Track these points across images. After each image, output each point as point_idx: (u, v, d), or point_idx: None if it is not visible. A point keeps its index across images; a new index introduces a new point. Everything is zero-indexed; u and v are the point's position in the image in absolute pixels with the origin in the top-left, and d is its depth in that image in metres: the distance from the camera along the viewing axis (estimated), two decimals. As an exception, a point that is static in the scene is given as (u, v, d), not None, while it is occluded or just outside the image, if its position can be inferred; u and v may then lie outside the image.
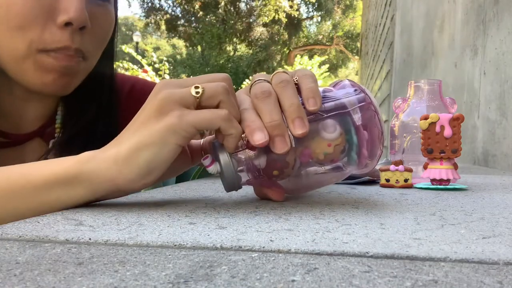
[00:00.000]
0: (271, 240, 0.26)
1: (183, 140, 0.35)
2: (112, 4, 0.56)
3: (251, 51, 16.13)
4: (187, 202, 0.41)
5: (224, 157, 0.36)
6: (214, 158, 0.37)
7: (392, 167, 0.57)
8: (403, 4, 3.56)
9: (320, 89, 0.40)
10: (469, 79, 1.58)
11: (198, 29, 16.35)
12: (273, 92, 0.37)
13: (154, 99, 0.36)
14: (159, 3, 17.76)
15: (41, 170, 0.37)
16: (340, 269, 0.20)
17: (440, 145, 0.54)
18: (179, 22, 17.28)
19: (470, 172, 0.96)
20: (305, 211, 0.36)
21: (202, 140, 0.44)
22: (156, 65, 8.84)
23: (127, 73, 6.93)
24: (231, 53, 15.58)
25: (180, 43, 19.18)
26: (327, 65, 13.53)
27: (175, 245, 0.25)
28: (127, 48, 8.30)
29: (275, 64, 16.61)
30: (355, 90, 0.40)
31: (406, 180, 0.57)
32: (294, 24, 17.15)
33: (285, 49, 17.34)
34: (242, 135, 0.37)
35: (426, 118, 0.54)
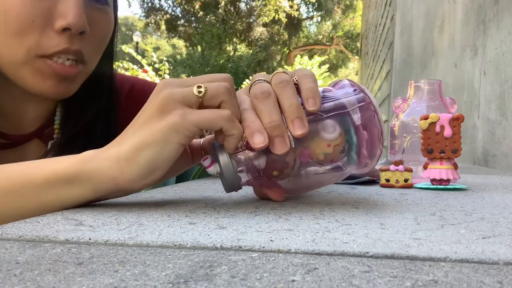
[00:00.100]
0: (271, 240, 0.26)
1: (185, 139, 0.35)
2: (111, 6, 0.56)
3: (251, 51, 16.13)
4: (187, 202, 0.41)
5: (223, 158, 0.36)
6: (214, 159, 0.37)
7: (392, 167, 0.57)
8: (403, 4, 3.56)
9: (320, 89, 0.39)
10: (469, 79, 1.58)
11: (198, 29, 16.35)
12: (272, 93, 0.37)
13: (155, 98, 0.36)
14: (159, 3, 17.76)
15: (42, 168, 0.37)
16: (340, 269, 0.20)
17: (440, 145, 0.54)
18: (179, 22, 17.29)
19: (470, 172, 0.96)
20: (305, 211, 0.36)
21: (202, 140, 0.44)
22: (156, 65, 8.84)
23: (127, 73, 6.93)
24: (231, 53, 15.58)
25: (180, 43, 19.18)
26: (327, 65, 13.53)
27: (175, 245, 0.25)
28: (127, 48, 8.30)
29: (275, 64, 16.61)
30: (355, 90, 0.40)
31: (406, 180, 0.57)
32: (294, 24, 17.15)
33: (285, 49, 17.34)
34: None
35: (426, 118, 0.54)
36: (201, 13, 16.38)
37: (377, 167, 0.60)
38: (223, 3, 16.19)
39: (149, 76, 7.55)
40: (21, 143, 0.58)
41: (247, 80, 11.92)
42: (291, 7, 16.75)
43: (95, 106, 0.60)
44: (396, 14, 3.91)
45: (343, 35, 16.92)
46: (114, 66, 0.64)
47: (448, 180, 0.54)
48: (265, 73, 0.41)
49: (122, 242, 0.25)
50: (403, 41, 3.47)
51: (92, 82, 0.58)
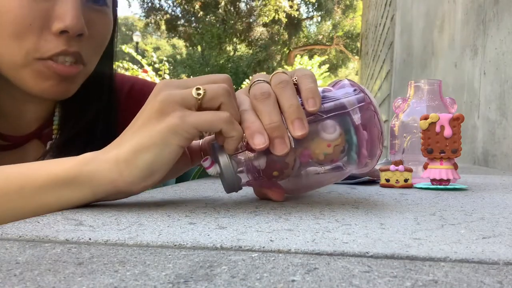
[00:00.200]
0: (271, 240, 0.26)
1: (185, 141, 0.35)
2: (110, 7, 0.55)
3: (251, 51, 16.13)
4: (187, 202, 0.41)
5: (223, 159, 0.36)
6: (214, 160, 0.37)
7: (392, 167, 0.57)
8: (403, 4, 3.56)
9: (320, 89, 0.39)
10: (469, 79, 1.58)
11: (198, 29, 16.35)
12: (272, 93, 0.37)
13: (154, 100, 0.35)
14: (159, 3, 17.76)
15: (41, 170, 0.37)
16: (340, 269, 0.20)
17: (440, 145, 0.54)
18: (179, 22, 17.28)
19: (470, 172, 0.96)
20: (305, 211, 0.36)
21: (201, 141, 0.44)
22: (156, 65, 8.84)
23: (127, 73, 6.92)
24: (231, 53, 15.58)
25: (180, 43, 19.18)
26: (327, 65, 13.53)
27: (175, 245, 0.25)
28: (127, 48, 8.30)
29: (275, 64, 16.61)
30: (355, 90, 0.40)
31: (406, 180, 0.57)
32: (294, 24, 17.15)
33: (285, 49, 17.34)
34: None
35: (426, 118, 0.54)
36: (201, 13, 16.38)
37: (377, 167, 0.60)
38: (223, 3, 16.19)
39: (149, 76, 7.55)
40: (21, 144, 0.58)
41: (247, 80, 11.92)
42: (291, 7, 16.75)
43: (95, 107, 0.60)
44: (396, 14, 3.91)
45: (343, 35, 16.92)
46: (114, 66, 0.63)
47: (448, 180, 0.54)
48: (265, 73, 0.41)
49: (122, 242, 0.25)
50: (403, 41, 3.47)
51: (91, 82, 0.57)
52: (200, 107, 0.36)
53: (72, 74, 0.51)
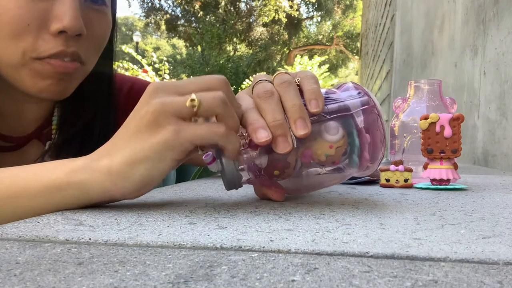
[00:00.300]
0: (271, 240, 0.26)
1: (180, 155, 0.35)
2: (109, 6, 0.55)
3: (251, 51, 16.13)
4: (187, 202, 0.41)
5: (226, 159, 0.36)
6: (216, 156, 0.37)
7: (392, 167, 0.57)
8: (403, 4, 3.56)
9: (324, 90, 0.40)
10: (469, 79, 1.58)
11: (198, 29, 16.35)
12: (275, 92, 0.37)
13: (147, 107, 0.34)
14: (159, 3, 17.77)
15: (34, 176, 0.36)
16: (340, 269, 0.20)
17: (440, 145, 0.54)
18: (179, 22, 17.29)
19: (470, 172, 0.96)
20: (305, 211, 0.36)
21: None
22: (156, 65, 8.85)
23: (127, 73, 6.92)
24: (231, 53, 15.58)
25: (180, 43, 19.18)
26: (327, 65, 13.53)
27: (175, 245, 0.25)
28: (127, 48, 8.30)
29: (275, 64, 16.61)
30: (359, 93, 0.40)
31: (406, 180, 0.57)
32: (294, 24, 17.15)
33: (285, 49, 17.34)
34: (245, 134, 0.37)
35: (426, 118, 0.54)
36: (201, 13, 16.38)
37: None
38: (223, 3, 16.19)
39: (149, 76, 7.55)
40: (21, 146, 0.57)
41: (247, 80, 11.92)
42: (291, 7, 16.75)
43: (94, 107, 0.60)
44: (396, 14, 3.91)
45: (343, 35, 16.92)
46: (114, 66, 0.63)
47: (448, 180, 0.54)
48: (265, 73, 0.41)
49: (122, 242, 0.25)
50: (403, 41, 3.47)
51: (90, 82, 0.57)
52: (195, 116, 0.35)
53: (70, 70, 0.50)
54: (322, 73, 12.31)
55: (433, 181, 0.55)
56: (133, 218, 0.32)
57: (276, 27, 16.79)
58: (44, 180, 0.36)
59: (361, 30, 10.52)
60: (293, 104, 0.36)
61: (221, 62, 13.46)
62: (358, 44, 12.83)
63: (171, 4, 17.48)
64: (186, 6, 16.78)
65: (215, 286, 0.18)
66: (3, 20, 0.47)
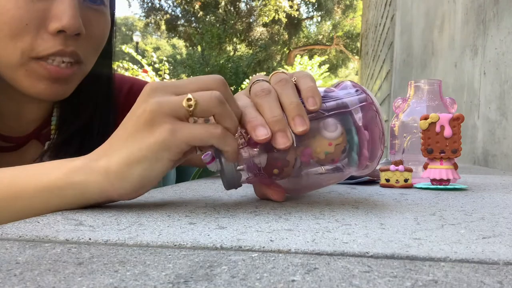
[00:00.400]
0: (271, 240, 0.26)
1: (176, 156, 0.35)
2: (108, 6, 0.55)
3: (251, 51, 16.12)
4: (187, 202, 0.41)
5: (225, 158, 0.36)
6: (215, 155, 0.37)
7: (392, 167, 0.57)
8: (403, 4, 3.56)
9: (322, 89, 0.40)
10: (469, 79, 1.58)
11: (198, 29, 16.35)
12: (273, 90, 0.37)
13: (144, 107, 0.34)
14: (159, 3, 17.76)
15: (33, 178, 0.36)
16: (340, 269, 0.20)
17: (440, 145, 0.54)
18: (179, 22, 17.29)
19: (470, 172, 0.96)
20: (305, 211, 0.36)
21: None
22: (156, 65, 8.85)
23: (127, 73, 6.92)
24: (231, 53, 15.57)
25: (180, 43, 19.18)
26: (327, 65, 13.53)
27: (175, 245, 0.25)
28: (127, 48, 8.30)
29: (275, 64, 16.61)
30: (357, 91, 0.40)
31: (406, 180, 0.57)
32: (294, 24, 17.15)
33: (285, 49, 17.34)
34: (243, 132, 0.37)
35: (426, 118, 0.54)
36: (201, 13, 16.38)
37: (377, 167, 0.60)
38: (223, 3, 16.19)
39: (149, 76, 7.55)
40: (20, 146, 0.57)
41: (247, 80, 11.91)
42: (291, 7, 16.75)
43: (92, 107, 0.60)
44: (396, 14, 3.91)
45: (343, 35, 16.92)
46: (113, 66, 0.63)
47: (448, 180, 0.54)
48: (264, 73, 0.41)
49: (122, 242, 0.25)
50: (403, 41, 3.47)
51: (89, 82, 0.57)
52: (192, 116, 0.35)
53: (66, 75, 0.50)
54: (322, 73, 12.31)
55: (433, 181, 0.55)
56: (133, 218, 0.32)
57: (276, 27, 16.80)
58: (42, 181, 0.36)
59: (361, 30, 10.53)
60: (291, 102, 0.36)
61: (221, 62, 13.45)
62: (358, 44, 12.83)
63: (171, 4, 17.49)
64: (186, 6, 16.78)
65: (215, 286, 0.18)
66: (2, 20, 0.47)
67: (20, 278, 0.19)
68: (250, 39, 16.70)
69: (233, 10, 16.56)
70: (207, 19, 16.20)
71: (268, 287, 0.18)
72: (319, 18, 18.31)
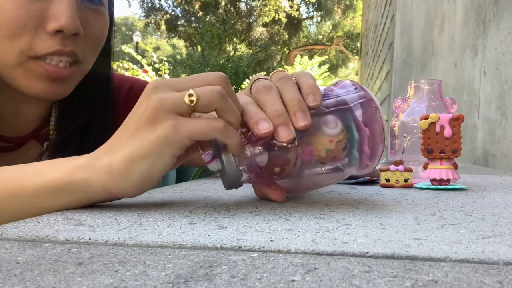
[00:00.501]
0: (271, 240, 0.26)
1: (178, 151, 0.35)
2: (106, 6, 0.55)
3: (251, 51, 16.12)
4: (187, 202, 0.41)
5: (227, 157, 0.36)
6: (215, 155, 0.37)
7: (392, 167, 0.57)
8: (403, 4, 3.56)
9: (321, 88, 0.40)
10: (469, 79, 1.58)
11: (198, 29, 16.35)
12: (274, 86, 0.37)
13: (146, 104, 0.34)
14: (159, 3, 17.77)
15: (35, 176, 0.36)
16: (340, 269, 0.20)
17: (440, 145, 0.54)
18: (179, 22, 17.29)
19: (470, 172, 0.96)
20: (305, 211, 0.36)
21: None
22: (156, 65, 8.85)
23: (127, 73, 6.92)
24: (231, 53, 15.57)
25: (180, 43, 19.18)
26: (327, 65, 13.53)
27: (175, 245, 0.25)
28: (127, 48, 8.30)
29: (275, 64, 16.61)
30: (356, 88, 0.41)
31: (406, 180, 0.57)
32: (294, 24, 17.15)
33: (285, 49, 17.33)
34: (243, 131, 0.37)
35: (426, 118, 0.54)
36: (201, 13, 16.38)
37: (377, 167, 0.60)
38: (223, 3, 16.19)
39: (149, 76, 7.55)
40: (19, 146, 0.57)
41: (247, 80, 11.91)
42: (291, 7, 16.75)
43: (91, 106, 0.59)
44: (396, 14, 3.91)
45: (343, 35, 16.92)
46: (112, 66, 0.63)
47: (448, 180, 0.54)
48: (264, 73, 0.42)
49: (122, 242, 0.25)
50: (403, 41, 3.47)
51: (88, 82, 0.57)
52: (194, 112, 0.35)
53: (64, 75, 0.50)
54: (322, 73, 12.31)
55: (433, 181, 0.55)
56: (133, 218, 0.32)
57: (276, 27, 16.80)
58: (45, 179, 0.36)
59: (361, 30, 10.53)
60: (292, 98, 0.36)
61: (221, 62, 13.45)
62: (358, 44, 12.83)
63: (171, 4, 17.49)
64: (186, 6, 16.79)
65: (215, 286, 0.18)
66: (0, 20, 0.47)
67: (20, 278, 0.19)
68: (250, 39, 16.70)
69: (233, 10, 16.56)
70: (207, 19, 16.21)
71: (268, 287, 0.18)
72: (319, 18, 18.31)
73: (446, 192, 0.52)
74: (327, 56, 17.19)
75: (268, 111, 0.36)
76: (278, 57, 17.13)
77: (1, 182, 0.36)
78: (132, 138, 0.35)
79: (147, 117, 0.34)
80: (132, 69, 7.75)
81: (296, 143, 0.37)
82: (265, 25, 16.70)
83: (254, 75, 0.42)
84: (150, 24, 18.07)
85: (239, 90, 0.40)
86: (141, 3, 17.77)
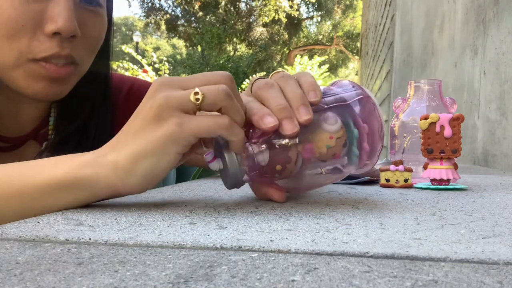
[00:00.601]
0: (271, 240, 0.26)
1: (183, 149, 0.35)
2: (104, 7, 0.55)
3: (251, 51, 16.12)
4: (187, 202, 0.41)
5: (230, 156, 0.36)
6: (217, 155, 0.37)
7: (392, 167, 0.57)
8: (403, 4, 3.56)
9: (320, 87, 0.40)
10: (469, 79, 1.58)
11: (198, 29, 16.35)
12: (275, 84, 0.38)
13: (151, 102, 0.35)
14: (159, 3, 17.77)
15: (41, 173, 0.36)
16: (340, 269, 0.20)
17: (440, 145, 0.54)
18: (179, 22, 17.29)
19: (470, 172, 0.96)
20: (305, 211, 0.36)
21: None
22: (156, 65, 8.85)
23: (127, 73, 6.92)
24: (231, 53, 15.57)
25: (180, 43, 19.18)
26: (327, 65, 13.53)
27: (175, 245, 0.25)
28: (127, 48, 8.31)
29: (275, 64, 16.61)
30: (353, 87, 0.42)
31: (406, 180, 0.57)
32: (294, 24, 17.15)
33: (285, 49, 17.33)
34: (244, 130, 0.37)
35: (426, 118, 0.54)
36: (201, 13, 16.38)
37: (377, 167, 0.60)
38: (223, 3, 16.19)
39: (149, 76, 7.55)
40: (18, 146, 0.57)
41: (247, 80, 11.91)
42: (291, 7, 16.75)
43: (90, 106, 0.59)
44: (396, 14, 3.91)
45: (343, 35, 16.92)
46: (111, 65, 0.63)
47: (448, 180, 0.54)
48: (264, 73, 0.42)
49: (122, 242, 0.25)
50: (403, 41, 3.47)
51: (87, 82, 0.57)
52: (199, 110, 0.35)
53: (63, 75, 0.50)
54: (322, 73, 12.31)
55: (433, 181, 0.55)
56: (133, 218, 0.32)
57: (276, 27, 16.79)
58: (50, 175, 0.36)
59: (361, 30, 10.53)
60: (295, 93, 0.37)
61: (221, 62, 13.45)
62: (358, 44, 12.83)
63: (171, 4, 17.49)
64: (186, 6, 16.79)
65: (215, 286, 0.18)
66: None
67: (20, 278, 0.19)
68: (250, 39, 16.70)
69: (233, 10, 16.56)
70: (207, 19, 16.21)
71: (268, 287, 0.18)
72: (319, 18, 18.31)
73: (446, 192, 0.52)
74: (327, 56, 17.19)
75: (271, 106, 0.36)
76: (278, 57, 17.13)
77: (5, 179, 0.36)
78: (138, 135, 0.35)
79: (152, 115, 0.34)
80: (132, 69, 7.75)
81: (297, 141, 0.37)
82: (265, 25, 16.70)
83: (254, 75, 0.43)
84: (150, 24, 18.07)
85: (239, 90, 0.40)
86: (141, 3, 17.77)
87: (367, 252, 0.23)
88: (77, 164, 0.36)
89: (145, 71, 7.70)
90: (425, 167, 0.56)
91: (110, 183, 0.35)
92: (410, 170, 0.57)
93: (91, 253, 0.23)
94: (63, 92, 0.53)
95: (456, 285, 0.18)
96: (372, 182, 0.62)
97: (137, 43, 13.16)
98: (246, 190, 0.49)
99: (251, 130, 0.37)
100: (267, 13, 16.36)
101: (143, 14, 18.05)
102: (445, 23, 2.03)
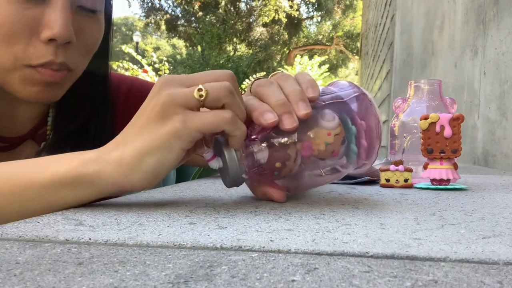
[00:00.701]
0: (271, 240, 0.26)
1: (188, 145, 0.35)
2: (102, 11, 0.55)
3: (251, 51, 16.12)
4: (187, 202, 0.41)
5: (230, 153, 0.36)
6: (216, 153, 0.38)
7: (392, 167, 0.57)
8: (403, 4, 3.56)
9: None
10: (469, 79, 1.58)
11: (198, 29, 16.35)
12: (275, 81, 0.39)
13: (155, 99, 0.35)
14: (159, 3, 17.77)
15: (45, 170, 0.36)
16: (340, 269, 0.20)
17: (440, 145, 0.54)
18: (179, 22, 17.29)
19: (470, 172, 0.96)
20: (305, 211, 0.36)
21: None
22: (156, 65, 8.85)
23: (127, 73, 6.92)
24: (231, 53, 15.57)
25: (180, 43, 19.18)
26: (327, 65, 13.52)
27: (175, 245, 0.25)
28: (127, 48, 8.30)
29: (275, 64, 16.61)
30: (350, 86, 0.42)
31: (406, 180, 0.57)
32: (294, 24, 17.15)
33: (285, 49, 17.33)
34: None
35: (426, 118, 0.54)
36: (201, 13, 16.38)
37: (377, 167, 0.60)
38: (223, 3, 16.19)
39: (149, 76, 7.55)
40: (15, 146, 0.57)
41: (247, 80, 11.91)
42: (291, 7, 16.75)
43: (88, 106, 0.59)
44: (396, 14, 3.91)
45: (343, 35, 16.92)
46: (110, 66, 0.63)
47: (448, 180, 0.54)
48: (264, 73, 0.42)
49: (122, 242, 0.25)
50: (403, 41, 3.47)
51: (86, 82, 0.57)
52: (202, 106, 0.36)
53: (58, 80, 0.51)
54: (322, 73, 12.30)
55: (433, 181, 0.55)
56: (133, 218, 0.32)
57: (276, 27, 16.80)
58: (53, 172, 0.36)
59: (361, 30, 10.53)
60: (293, 89, 0.38)
61: (221, 62, 13.45)
62: (358, 44, 12.83)
63: (171, 4, 17.49)
64: (186, 6, 16.78)
65: (215, 286, 0.18)
66: None
67: (20, 278, 0.19)
68: (250, 39, 16.70)
69: (233, 10, 16.56)
70: (207, 19, 16.21)
71: (268, 287, 0.18)
72: (319, 18, 18.31)
73: (446, 192, 0.52)
74: (327, 56, 17.19)
75: (271, 102, 0.37)
76: (278, 57, 17.13)
77: (7, 176, 0.37)
78: (142, 132, 0.35)
79: (157, 112, 0.35)
80: (132, 69, 7.75)
81: (296, 139, 0.37)
82: (265, 25, 16.70)
83: (254, 75, 0.43)
84: (150, 24, 18.07)
85: (239, 90, 0.40)
86: (141, 3, 17.77)
87: (367, 252, 0.23)
88: (82, 160, 0.36)
89: (145, 71, 7.69)
90: (425, 167, 0.56)
91: (115, 179, 0.36)
92: (410, 170, 0.57)
93: (91, 253, 0.23)
94: (57, 96, 0.53)
95: (456, 285, 0.18)
96: (372, 182, 0.62)
97: (137, 43, 13.16)
98: (246, 190, 0.49)
99: (250, 128, 0.38)
100: (267, 13, 16.36)
101: (143, 14, 18.06)
102: (445, 23, 2.03)
